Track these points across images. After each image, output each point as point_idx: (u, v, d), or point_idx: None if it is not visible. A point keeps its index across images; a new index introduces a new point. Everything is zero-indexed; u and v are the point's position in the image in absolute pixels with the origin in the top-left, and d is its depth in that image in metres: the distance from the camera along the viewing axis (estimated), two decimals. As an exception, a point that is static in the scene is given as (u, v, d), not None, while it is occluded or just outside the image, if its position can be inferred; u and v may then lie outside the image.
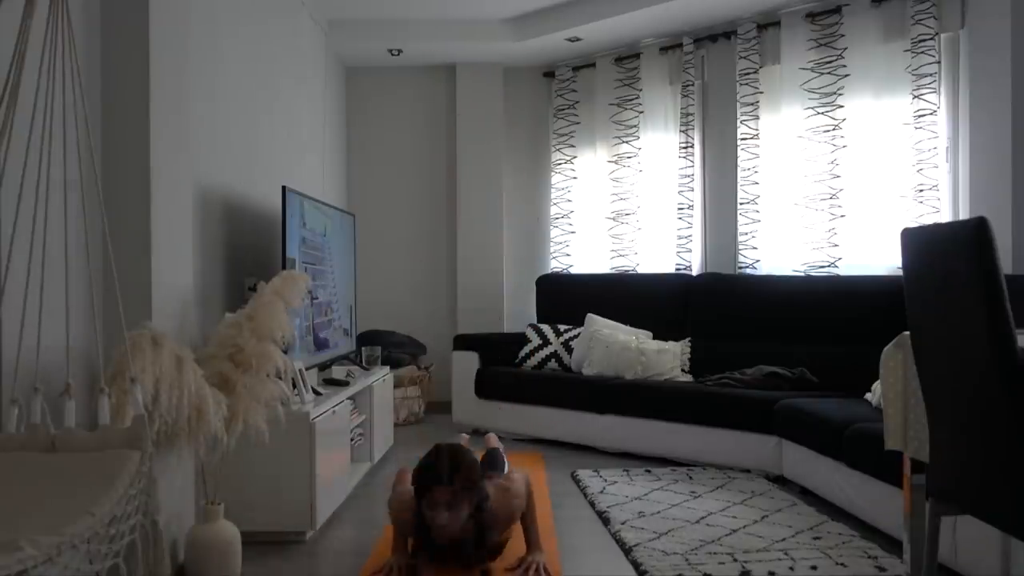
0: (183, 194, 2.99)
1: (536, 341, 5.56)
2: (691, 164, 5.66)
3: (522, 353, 5.53)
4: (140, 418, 1.94)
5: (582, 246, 6.29)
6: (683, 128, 5.70)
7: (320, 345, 4.18)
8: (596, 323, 5.37)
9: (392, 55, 6.29)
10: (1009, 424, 1.79)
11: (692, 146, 5.68)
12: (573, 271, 6.31)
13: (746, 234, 5.39)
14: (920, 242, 2.09)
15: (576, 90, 6.33)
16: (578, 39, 5.92)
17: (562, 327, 5.60)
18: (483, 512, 2.71)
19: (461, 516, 2.64)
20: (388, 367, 5.12)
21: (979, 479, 1.95)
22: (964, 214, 4.45)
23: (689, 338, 5.19)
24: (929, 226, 2.06)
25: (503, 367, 5.50)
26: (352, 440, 4.03)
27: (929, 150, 4.54)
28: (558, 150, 6.41)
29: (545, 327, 5.64)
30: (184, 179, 3.00)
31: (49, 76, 2.01)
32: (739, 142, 5.41)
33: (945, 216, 4.53)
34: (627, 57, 6.01)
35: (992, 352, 1.79)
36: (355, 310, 5.13)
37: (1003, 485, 1.86)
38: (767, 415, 4.19)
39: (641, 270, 5.90)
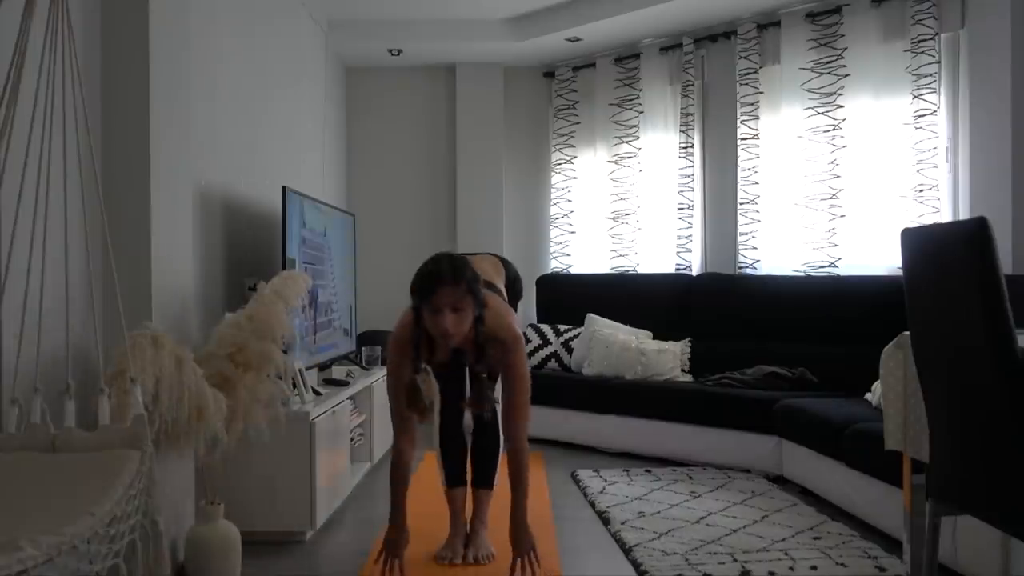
0: (183, 194, 2.99)
1: (536, 341, 5.56)
2: (691, 164, 5.66)
3: (522, 353, 5.52)
4: (140, 418, 1.94)
5: (582, 246, 6.29)
6: (683, 128, 5.70)
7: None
8: (596, 323, 5.37)
9: (392, 55, 6.28)
10: (1009, 424, 1.79)
11: (692, 146, 5.68)
12: (573, 271, 6.31)
13: (746, 234, 5.39)
14: (920, 242, 2.10)
15: (576, 90, 6.33)
16: (578, 39, 5.92)
17: (562, 327, 5.60)
18: (482, 323, 2.64)
19: (466, 322, 2.58)
20: (388, 367, 5.11)
21: (979, 479, 1.95)
22: (964, 214, 4.45)
23: (689, 338, 5.19)
24: (929, 226, 2.06)
25: (503, 367, 5.49)
26: (352, 440, 4.03)
27: (929, 150, 4.54)
28: (558, 150, 6.41)
29: (545, 327, 5.64)
30: (184, 179, 3.00)
31: (49, 76, 2.01)
32: (739, 142, 5.41)
33: (945, 216, 4.53)
34: (627, 57, 6.01)
35: (992, 352, 1.79)
36: (355, 310, 5.13)
37: (1003, 485, 1.86)
38: (767, 415, 4.19)
39: (641, 270, 5.90)
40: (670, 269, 5.74)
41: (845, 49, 4.90)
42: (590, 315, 5.46)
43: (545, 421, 5.11)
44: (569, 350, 5.45)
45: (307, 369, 3.76)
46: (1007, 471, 1.83)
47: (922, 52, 4.54)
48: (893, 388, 2.48)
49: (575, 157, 6.34)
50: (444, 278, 2.52)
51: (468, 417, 3.08)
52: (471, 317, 2.61)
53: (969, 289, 1.84)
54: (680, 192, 5.68)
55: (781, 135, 5.21)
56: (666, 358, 4.99)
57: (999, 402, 1.81)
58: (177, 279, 2.92)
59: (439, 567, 2.94)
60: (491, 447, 3.07)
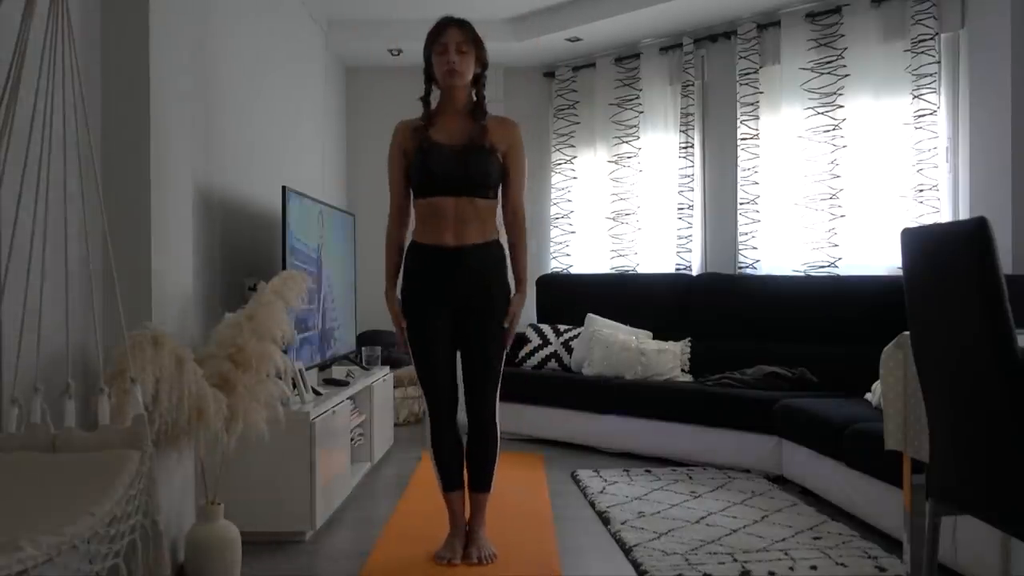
0: (183, 194, 3.00)
1: (536, 341, 5.56)
2: (691, 164, 5.67)
3: (522, 353, 5.52)
4: (140, 418, 1.94)
5: (582, 246, 6.29)
6: (683, 128, 5.70)
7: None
8: (596, 323, 5.37)
9: (392, 55, 6.28)
10: (1009, 424, 1.79)
11: (692, 146, 5.68)
12: (573, 271, 6.31)
13: (746, 234, 5.39)
14: (920, 242, 2.10)
15: (576, 90, 6.34)
16: (578, 39, 5.92)
17: (562, 327, 5.60)
18: (481, 85, 3.09)
19: (468, 66, 2.97)
20: (388, 367, 5.13)
21: (979, 479, 1.95)
22: (964, 214, 4.45)
23: (689, 338, 5.19)
24: (929, 226, 2.06)
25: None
26: (352, 440, 4.03)
27: (929, 150, 4.54)
28: (558, 150, 6.41)
29: (545, 327, 5.64)
30: (184, 179, 3.00)
31: (49, 76, 2.01)
32: (739, 142, 5.42)
33: (945, 216, 4.53)
34: (627, 57, 6.01)
35: (992, 352, 1.79)
36: (355, 310, 5.13)
37: (1003, 485, 1.86)
38: (767, 415, 4.19)
39: (641, 270, 5.90)
40: (670, 269, 5.74)
41: (845, 49, 4.90)
42: (590, 315, 5.46)
43: (545, 421, 5.11)
44: (569, 350, 5.45)
45: (307, 369, 3.76)
46: (1007, 471, 1.83)
47: (922, 52, 4.54)
48: (893, 388, 2.48)
49: (575, 157, 6.34)
50: (452, 22, 2.96)
51: (463, 416, 3.06)
52: (472, 63, 2.99)
53: (969, 289, 1.84)
54: (680, 192, 5.69)
55: (781, 135, 5.21)
56: (666, 358, 4.99)
57: (999, 402, 1.81)
58: (177, 279, 2.92)
59: (439, 567, 2.94)
60: (489, 451, 3.02)
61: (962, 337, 1.92)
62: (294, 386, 3.37)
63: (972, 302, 1.84)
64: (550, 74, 6.52)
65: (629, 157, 5.99)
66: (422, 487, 4.04)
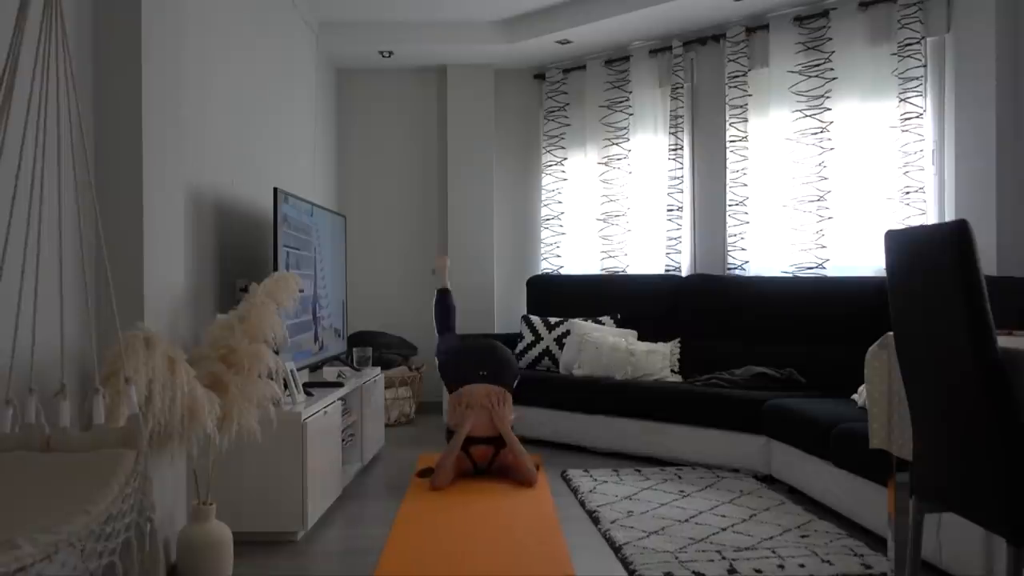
0: (175, 195, 3.01)
1: (528, 338, 5.57)
2: (680, 166, 5.70)
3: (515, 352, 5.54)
4: (135, 417, 1.95)
5: (572, 247, 6.32)
6: (672, 130, 5.74)
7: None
8: (582, 328, 5.38)
9: (383, 57, 6.30)
10: (989, 423, 1.83)
11: (681, 148, 5.72)
12: (563, 272, 6.34)
13: (735, 236, 5.43)
14: (903, 244, 2.13)
15: (566, 92, 6.37)
16: (568, 41, 5.95)
17: (553, 319, 5.61)
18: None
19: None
20: (379, 368, 5.14)
21: (961, 477, 1.99)
22: (950, 216, 4.50)
23: (679, 339, 5.22)
24: (912, 228, 2.10)
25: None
26: (343, 441, 4.05)
27: (915, 152, 4.59)
28: (548, 152, 6.44)
29: (536, 319, 5.64)
30: (176, 181, 3.02)
31: (43, 79, 2.02)
32: (728, 144, 5.46)
33: (931, 218, 4.58)
34: (617, 60, 6.05)
35: (972, 352, 1.83)
36: (346, 311, 5.14)
37: (984, 483, 1.89)
38: (755, 415, 4.23)
39: (631, 271, 5.93)
40: (660, 270, 5.78)
41: (832, 52, 4.95)
42: (573, 320, 5.48)
43: (536, 421, 5.14)
44: (561, 346, 5.46)
45: (298, 370, 3.78)
46: (987, 469, 1.87)
47: (908, 56, 4.59)
48: (878, 387, 2.51)
49: (565, 159, 6.37)
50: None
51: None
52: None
53: (951, 290, 1.88)
54: (669, 194, 5.72)
55: (769, 137, 5.26)
56: (656, 359, 5.02)
57: (979, 401, 1.84)
58: (169, 280, 2.93)
59: (453, 562, 2.96)
60: None
61: (944, 337, 1.95)
62: (286, 387, 3.38)
63: (954, 303, 1.87)
64: (540, 76, 6.55)
65: (619, 159, 6.02)
66: (424, 486, 4.06)
